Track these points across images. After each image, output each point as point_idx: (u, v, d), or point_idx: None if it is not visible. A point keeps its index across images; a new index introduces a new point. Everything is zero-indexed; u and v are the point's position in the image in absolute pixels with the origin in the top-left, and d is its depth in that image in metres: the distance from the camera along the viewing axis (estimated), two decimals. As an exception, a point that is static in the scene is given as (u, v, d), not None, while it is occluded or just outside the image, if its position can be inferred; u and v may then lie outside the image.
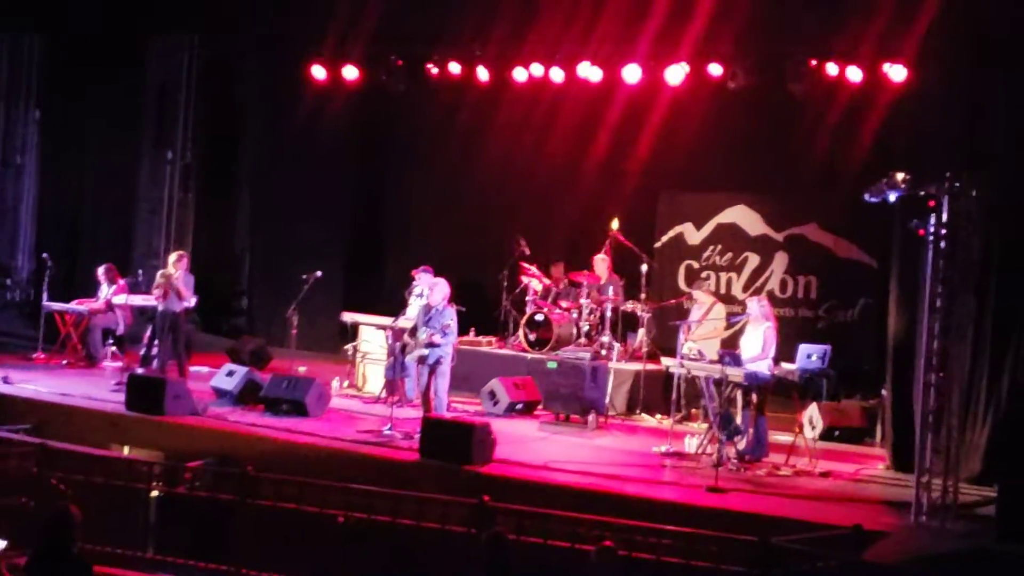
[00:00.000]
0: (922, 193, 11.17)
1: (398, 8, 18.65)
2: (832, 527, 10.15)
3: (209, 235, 22.10)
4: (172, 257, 17.00)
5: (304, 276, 16.25)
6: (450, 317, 14.10)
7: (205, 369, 17.04)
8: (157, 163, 21.47)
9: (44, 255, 18.50)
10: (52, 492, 11.13)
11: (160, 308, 16.46)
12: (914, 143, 13.72)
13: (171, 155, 21.38)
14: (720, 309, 15.38)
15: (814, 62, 16.14)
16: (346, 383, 16.72)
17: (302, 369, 16.66)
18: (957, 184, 11.06)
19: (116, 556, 10.83)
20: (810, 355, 13.74)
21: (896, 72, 15.37)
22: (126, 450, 13.75)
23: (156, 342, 16.60)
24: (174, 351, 16.50)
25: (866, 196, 11.61)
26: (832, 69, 16.12)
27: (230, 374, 15.35)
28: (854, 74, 15.96)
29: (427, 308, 14.24)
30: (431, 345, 13.97)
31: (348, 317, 17.00)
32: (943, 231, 11.02)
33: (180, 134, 21.59)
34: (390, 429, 13.55)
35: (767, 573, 9.00)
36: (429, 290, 14.60)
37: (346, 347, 17.10)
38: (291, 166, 21.44)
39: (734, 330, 14.46)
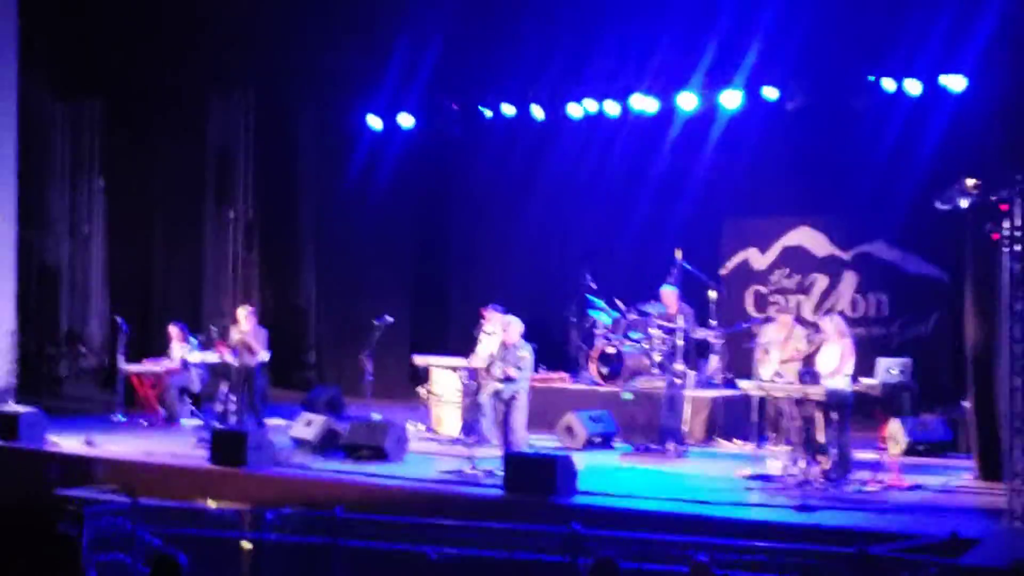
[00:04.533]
0: (994, 198, 11.11)
1: (451, 54, 18.90)
2: (927, 537, 10.07)
3: (275, 290, 22.33)
4: (242, 312, 17.17)
5: (376, 321, 16.34)
6: (526, 352, 14.15)
7: (282, 421, 17.14)
8: (220, 222, 21.76)
9: (118, 319, 18.70)
10: (146, 546, 11.28)
11: (235, 364, 16.63)
12: (979, 151, 13.64)
13: (233, 214, 21.64)
14: (800, 331, 15.21)
15: (872, 77, 16.16)
16: (422, 426, 16.77)
17: (377, 415, 16.69)
18: (1029, 187, 11.00)
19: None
20: (890, 369, 13.63)
21: (955, 83, 15.36)
22: (212, 504, 13.84)
23: (232, 397, 16.75)
24: (251, 405, 16.64)
25: (937, 204, 11.60)
26: (890, 84, 16.13)
27: (308, 423, 15.43)
28: (913, 87, 15.95)
29: (503, 345, 14.29)
30: (507, 380, 14.00)
31: (420, 360, 17.03)
32: (1018, 234, 10.94)
33: (241, 192, 21.92)
34: (472, 468, 13.55)
35: (866, 584, 8.95)
36: (504, 328, 14.63)
37: (419, 390, 17.15)
38: (352, 216, 21.63)
39: (811, 350, 14.33)
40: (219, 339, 17.11)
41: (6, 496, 14.42)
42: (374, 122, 20.47)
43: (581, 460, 13.16)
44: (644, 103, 18.12)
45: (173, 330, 18.28)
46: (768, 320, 15.79)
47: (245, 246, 21.94)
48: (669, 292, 17.05)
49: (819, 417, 12.98)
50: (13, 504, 13.85)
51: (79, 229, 22.35)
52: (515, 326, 14.38)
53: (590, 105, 18.62)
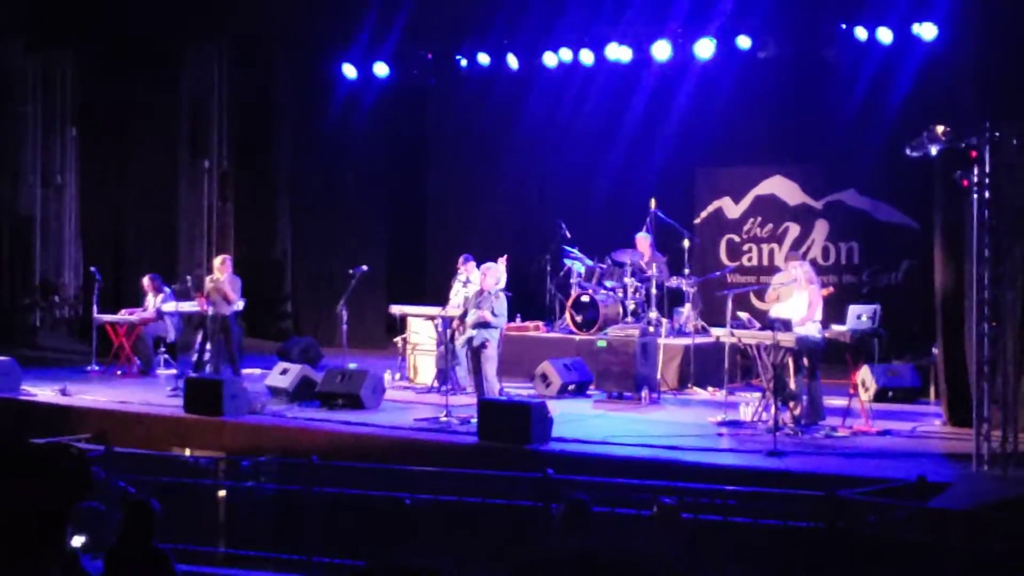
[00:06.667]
0: (963, 144, 11.19)
1: (426, 2, 18.86)
2: (895, 481, 10.21)
3: (249, 241, 22.32)
4: (216, 261, 17.21)
5: (351, 271, 16.36)
6: (500, 299, 14.20)
7: (257, 371, 17.21)
8: (194, 173, 21.75)
9: (92, 269, 18.68)
10: (121, 494, 11.33)
11: (210, 312, 16.66)
12: (949, 100, 13.73)
13: (208, 164, 21.62)
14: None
15: (844, 26, 16.23)
16: (398, 375, 16.86)
17: (352, 365, 16.76)
18: (997, 134, 11.07)
19: (190, 553, 10.99)
20: (860, 316, 13.71)
21: (927, 31, 15.44)
22: (188, 452, 13.93)
23: (207, 347, 16.80)
24: (227, 353, 16.67)
25: (907, 151, 11.67)
26: (862, 33, 16.20)
27: (284, 372, 15.48)
28: (884, 36, 16.02)
29: (479, 292, 14.34)
30: (481, 325, 14.04)
31: (396, 309, 17.09)
32: (987, 180, 11.03)
33: (215, 142, 21.87)
34: (447, 416, 13.64)
35: (833, 526, 9.08)
36: (481, 275, 14.68)
37: (395, 339, 17.24)
38: (326, 166, 21.67)
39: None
40: (197, 292, 17.15)
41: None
42: (349, 71, 20.43)
43: (556, 407, 13.25)
44: (618, 52, 18.15)
45: (146, 281, 18.25)
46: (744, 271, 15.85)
47: (220, 196, 21.93)
48: (643, 239, 17.15)
49: (790, 364, 13.09)
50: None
51: (52, 180, 22.27)
52: (493, 273, 14.44)
53: (565, 54, 18.63)
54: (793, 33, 16.68)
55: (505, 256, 16.02)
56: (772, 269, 17.52)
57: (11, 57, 21.33)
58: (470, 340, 14.20)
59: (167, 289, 18.27)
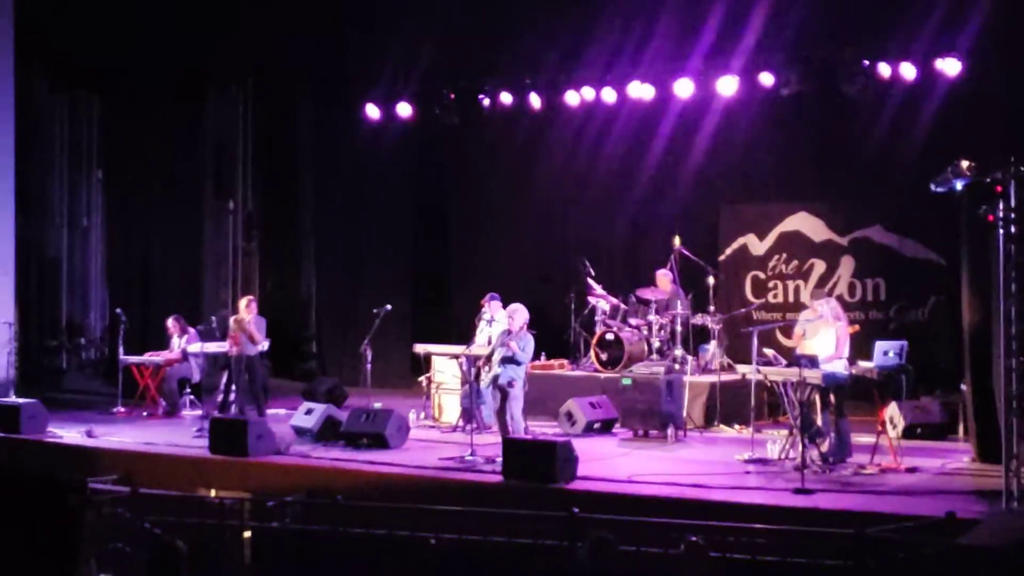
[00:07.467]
0: (988, 179, 11.13)
1: (449, 43, 18.99)
2: (924, 518, 10.11)
3: (274, 282, 22.39)
4: (242, 302, 17.24)
5: (375, 310, 16.37)
6: (527, 339, 14.17)
7: (282, 411, 17.20)
8: (220, 214, 21.85)
9: (118, 311, 18.74)
10: (147, 535, 11.30)
11: (235, 353, 16.67)
12: (972, 134, 13.74)
13: (233, 205, 21.72)
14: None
15: (867, 63, 16.22)
16: (422, 414, 16.82)
17: (378, 405, 16.72)
18: (1023, 168, 11.01)
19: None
20: (887, 352, 13.65)
21: (950, 66, 15.42)
22: (213, 493, 13.90)
23: (233, 387, 16.79)
24: (251, 393, 16.68)
25: (932, 186, 11.63)
26: (885, 69, 16.20)
27: (308, 412, 15.47)
28: (908, 71, 16.01)
29: (507, 333, 14.29)
30: (507, 361, 13.93)
31: (421, 348, 17.07)
32: (1012, 215, 10.96)
33: (240, 183, 21.97)
34: (472, 455, 13.58)
35: (862, 564, 8.99)
36: (508, 316, 14.61)
37: (420, 379, 17.22)
38: (351, 206, 21.73)
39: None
40: (229, 333, 17.12)
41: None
42: (372, 112, 20.54)
43: (581, 446, 13.17)
44: (641, 90, 18.18)
45: (171, 323, 18.28)
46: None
47: (245, 237, 22.03)
48: (663, 276, 17.13)
49: (816, 401, 13.02)
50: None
51: (78, 221, 22.40)
52: (520, 314, 14.39)
53: (587, 93, 18.69)
54: (815, 69, 16.69)
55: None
56: (798, 306, 17.44)
57: (37, 99, 21.48)
58: (495, 378, 14.15)
59: (192, 330, 18.32)
